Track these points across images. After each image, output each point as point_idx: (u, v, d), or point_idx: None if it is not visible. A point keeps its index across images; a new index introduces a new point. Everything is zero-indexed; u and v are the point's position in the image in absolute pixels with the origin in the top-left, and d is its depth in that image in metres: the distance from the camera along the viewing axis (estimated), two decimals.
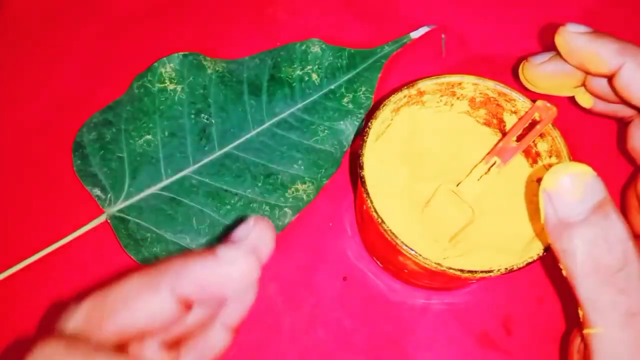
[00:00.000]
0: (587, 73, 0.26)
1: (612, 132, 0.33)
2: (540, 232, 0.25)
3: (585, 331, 0.21)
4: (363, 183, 0.24)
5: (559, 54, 0.26)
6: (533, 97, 0.27)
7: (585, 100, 0.29)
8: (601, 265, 0.20)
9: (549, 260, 0.30)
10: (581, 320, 0.21)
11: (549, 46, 0.26)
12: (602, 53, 0.25)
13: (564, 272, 0.21)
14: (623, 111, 0.28)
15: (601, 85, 0.27)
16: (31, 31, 0.36)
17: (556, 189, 0.20)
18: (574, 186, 0.20)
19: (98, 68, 0.35)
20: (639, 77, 0.24)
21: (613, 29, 0.26)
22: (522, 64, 0.28)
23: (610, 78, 0.25)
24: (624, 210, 0.29)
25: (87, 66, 0.35)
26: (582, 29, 0.25)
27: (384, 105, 0.26)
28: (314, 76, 0.33)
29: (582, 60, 0.25)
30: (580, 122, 0.32)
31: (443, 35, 0.36)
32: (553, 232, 0.21)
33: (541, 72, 0.27)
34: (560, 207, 0.20)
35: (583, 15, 0.37)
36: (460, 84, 0.27)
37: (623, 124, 0.30)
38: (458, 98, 0.28)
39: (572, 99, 0.29)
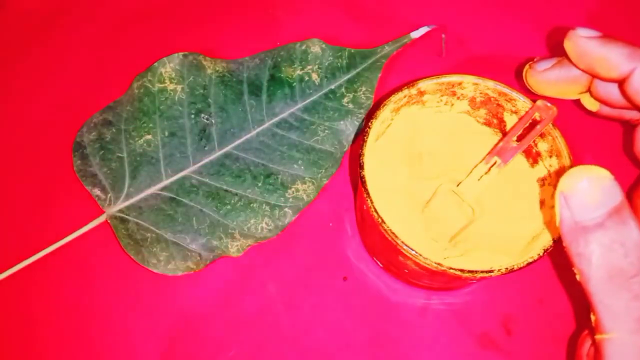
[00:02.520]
0: (597, 77, 0.26)
1: (616, 133, 0.33)
2: (541, 231, 0.25)
3: (597, 336, 0.21)
4: (363, 183, 0.24)
5: (566, 58, 0.26)
6: (534, 97, 0.27)
7: (591, 103, 0.29)
8: (617, 270, 0.20)
9: (550, 260, 0.30)
10: (593, 324, 0.21)
11: (552, 47, 0.26)
12: (613, 58, 0.24)
13: (577, 277, 0.21)
14: (629, 114, 0.28)
15: (606, 91, 0.27)
16: (31, 31, 0.36)
17: (573, 192, 0.20)
18: (591, 190, 0.20)
19: (98, 68, 0.35)
20: None
21: (617, 32, 0.26)
22: (525, 69, 0.28)
23: (620, 83, 0.25)
24: None
25: (87, 66, 0.35)
26: (591, 33, 0.25)
27: (384, 105, 0.26)
28: (314, 76, 0.33)
29: (592, 64, 0.25)
30: (585, 123, 0.32)
31: (443, 35, 0.36)
32: (568, 236, 0.20)
33: (545, 79, 0.27)
34: (577, 210, 0.20)
35: (585, 16, 0.37)
36: (460, 83, 0.27)
37: (629, 127, 0.29)
38: (458, 98, 0.28)
39: (577, 102, 0.29)
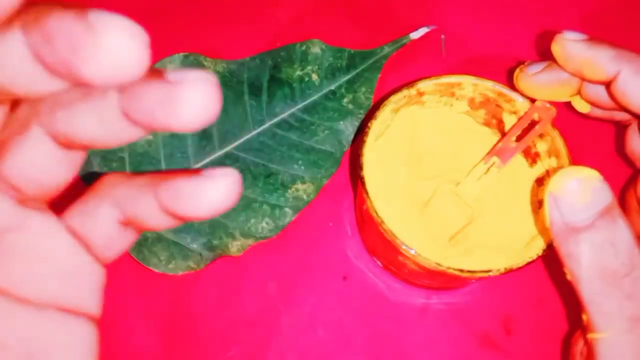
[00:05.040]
0: (585, 80, 0.26)
1: (609, 134, 0.34)
2: (540, 231, 0.25)
3: (589, 336, 0.21)
4: (363, 183, 0.24)
5: (555, 61, 0.26)
6: (532, 98, 0.27)
7: (582, 105, 0.29)
8: (607, 270, 0.20)
9: (549, 260, 0.30)
10: (585, 324, 0.21)
11: (547, 49, 0.27)
12: (599, 60, 0.25)
13: (568, 277, 0.21)
14: (620, 115, 0.28)
15: (597, 93, 0.27)
16: None
17: (563, 193, 0.20)
18: (581, 190, 0.20)
19: None
20: (636, 83, 0.24)
21: (611, 35, 0.26)
22: (515, 73, 0.28)
23: (607, 85, 0.25)
24: (623, 212, 0.29)
25: None
26: (578, 36, 0.25)
27: (383, 106, 0.26)
28: (314, 76, 0.33)
29: (579, 67, 0.25)
30: (577, 124, 0.32)
31: (443, 36, 0.36)
32: (559, 237, 0.21)
33: (536, 82, 0.27)
34: (567, 211, 0.20)
35: (581, 19, 0.37)
36: (459, 84, 0.27)
37: (621, 127, 0.30)
38: (457, 98, 0.28)
39: (568, 104, 0.29)
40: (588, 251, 0.20)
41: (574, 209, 0.20)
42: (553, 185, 0.20)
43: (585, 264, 0.20)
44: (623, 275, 0.20)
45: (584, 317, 0.21)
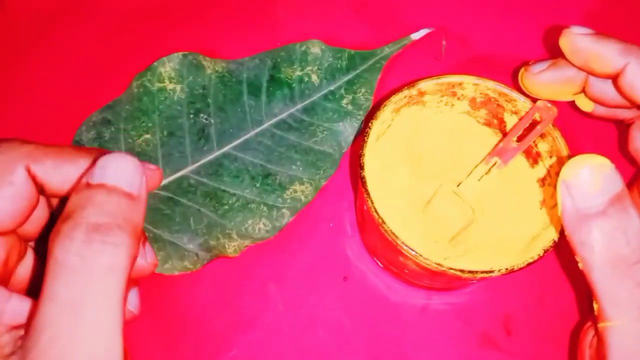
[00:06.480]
0: (592, 74, 0.26)
1: (612, 133, 0.34)
2: (541, 231, 0.25)
3: (600, 325, 0.21)
4: (364, 183, 0.24)
5: (562, 56, 0.27)
6: (533, 98, 0.27)
7: (585, 104, 0.29)
8: (619, 257, 0.20)
9: (550, 260, 0.30)
10: (596, 313, 0.21)
11: (550, 47, 0.27)
12: (607, 53, 0.25)
13: (580, 265, 0.21)
14: (623, 114, 0.29)
15: (600, 90, 0.27)
16: (31, 31, 0.36)
17: (575, 180, 0.20)
18: (593, 178, 0.20)
19: (98, 67, 0.35)
20: None
21: (615, 32, 0.26)
22: (520, 72, 0.28)
23: (614, 78, 0.26)
24: None
25: (87, 65, 0.35)
26: (586, 30, 0.26)
27: (384, 106, 0.26)
28: (314, 77, 0.33)
29: (587, 60, 0.26)
30: (581, 124, 0.32)
31: (444, 42, 0.36)
32: (570, 224, 0.21)
33: (540, 81, 0.28)
34: (579, 198, 0.20)
35: (584, 17, 0.37)
36: (460, 84, 0.27)
37: (624, 126, 0.30)
38: (459, 98, 0.28)
39: (572, 104, 0.29)
40: (599, 238, 0.20)
41: (586, 196, 0.20)
42: (565, 173, 0.20)
43: (597, 251, 0.20)
44: (634, 263, 0.20)
45: (595, 305, 0.21)
